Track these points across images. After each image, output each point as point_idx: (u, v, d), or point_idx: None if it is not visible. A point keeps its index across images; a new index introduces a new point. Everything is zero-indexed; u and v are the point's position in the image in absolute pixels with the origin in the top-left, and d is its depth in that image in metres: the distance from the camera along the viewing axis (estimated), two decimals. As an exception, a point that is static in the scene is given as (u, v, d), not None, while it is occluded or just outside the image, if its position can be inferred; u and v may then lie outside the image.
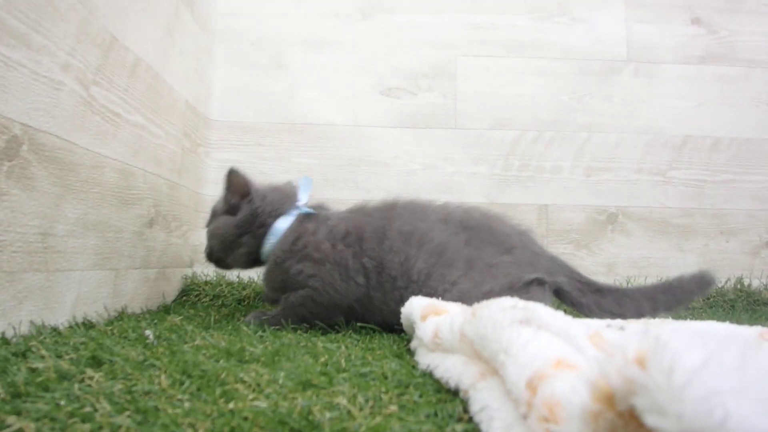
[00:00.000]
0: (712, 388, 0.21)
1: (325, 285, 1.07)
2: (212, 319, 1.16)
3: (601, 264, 1.86)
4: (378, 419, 0.49)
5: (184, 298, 1.52)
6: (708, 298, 1.73)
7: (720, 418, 0.20)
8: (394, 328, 1.02)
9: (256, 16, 1.88)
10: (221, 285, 1.57)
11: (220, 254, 1.19)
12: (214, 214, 1.22)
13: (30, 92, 0.85)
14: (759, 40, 1.95)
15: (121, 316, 1.14)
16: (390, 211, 1.14)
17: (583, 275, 1.13)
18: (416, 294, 0.98)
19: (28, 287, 0.86)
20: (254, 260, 1.19)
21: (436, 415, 0.53)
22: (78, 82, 0.98)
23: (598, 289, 1.10)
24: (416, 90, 1.90)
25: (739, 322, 0.92)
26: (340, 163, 1.85)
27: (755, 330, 0.75)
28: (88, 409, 0.51)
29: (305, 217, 1.15)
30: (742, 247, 1.88)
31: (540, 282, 1.05)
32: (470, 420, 0.51)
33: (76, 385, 0.57)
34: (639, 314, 1.06)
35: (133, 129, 1.21)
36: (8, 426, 0.46)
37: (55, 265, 0.93)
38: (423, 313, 0.83)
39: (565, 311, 0.73)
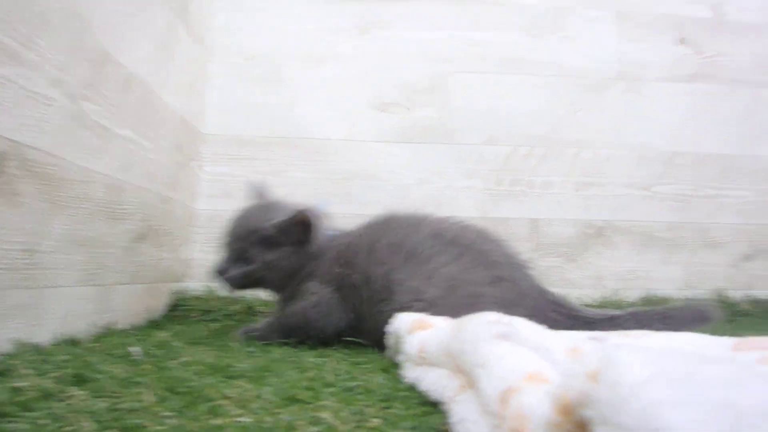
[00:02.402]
0: (653, 400, 0.22)
1: (321, 305, 1.08)
2: (201, 334, 1.16)
3: (589, 277, 1.88)
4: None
5: (174, 313, 1.52)
6: (692, 310, 1.75)
7: (658, 428, 0.22)
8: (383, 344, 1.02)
9: (252, 31, 1.90)
10: (212, 300, 1.58)
11: (276, 282, 1.15)
12: (267, 242, 1.12)
13: (19, 108, 0.86)
14: (742, 60, 2.01)
15: (109, 332, 1.13)
16: (384, 224, 1.15)
17: (574, 306, 1.07)
18: (395, 306, 0.98)
19: (12, 305, 0.86)
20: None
21: (418, 427, 0.54)
22: (67, 97, 0.99)
23: (588, 322, 1.03)
24: (411, 105, 1.92)
25: (722, 332, 0.93)
26: (335, 177, 1.86)
27: (730, 341, 0.76)
28: (70, 428, 0.51)
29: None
30: (726, 260, 1.92)
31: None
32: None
33: (59, 404, 0.57)
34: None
35: (124, 143, 1.22)
36: None
37: (40, 282, 0.94)
38: (410, 327, 0.84)
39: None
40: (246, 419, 0.53)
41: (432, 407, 0.62)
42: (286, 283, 1.14)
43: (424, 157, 1.90)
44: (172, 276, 1.57)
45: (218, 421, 0.53)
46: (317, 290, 1.10)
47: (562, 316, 1.03)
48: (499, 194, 1.90)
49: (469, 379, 0.53)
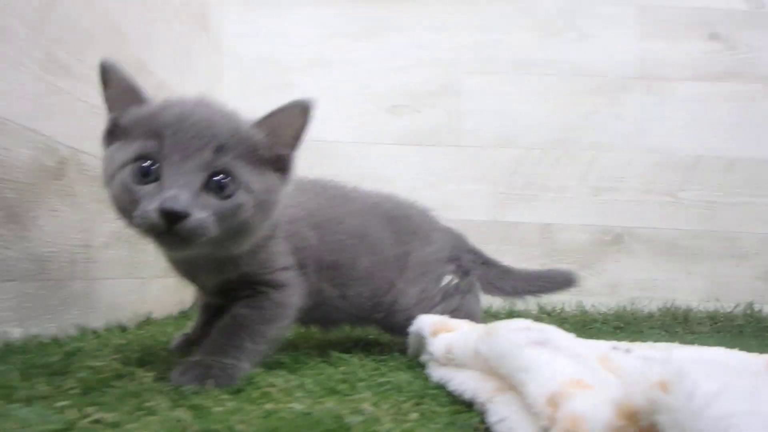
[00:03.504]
0: (727, 411, 0.26)
1: (296, 285, 0.86)
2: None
3: (605, 284, 1.86)
4: (405, 425, 0.54)
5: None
6: (716, 323, 1.71)
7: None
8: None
9: (264, 37, 1.94)
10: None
11: (252, 234, 0.74)
12: (253, 158, 0.71)
13: (74, 117, 0.93)
14: (780, 56, 1.90)
15: (148, 321, 1.21)
16: (328, 199, 0.98)
17: (472, 246, 1.16)
18: (362, 293, 0.95)
19: (72, 294, 0.94)
20: None
21: (454, 424, 0.58)
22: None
23: (485, 262, 1.14)
24: (420, 107, 1.94)
25: (748, 348, 0.95)
26: (345, 179, 1.88)
27: (763, 359, 0.78)
28: (148, 403, 0.57)
29: None
30: (754, 272, 1.85)
31: (464, 272, 1.08)
32: (487, 430, 0.56)
33: (132, 383, 0.64)
34: (515, 292, 1.12)
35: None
36: (88, 416, 0.52)
37: (94, 274, 1.00)
38: (433, 329, 0.88)
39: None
40: (296, 406, 0.58)
41: (462, 406, 0.66)
42: (244, 248, 0.74)
43: (434, 159, 1.91)
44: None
45: (271, 406, 0.58)
46: (289, 263, 0.83)
47: (470, 253, 1.13)
48: (510, 198, 1.90)
49: (507, 382, 0.56)
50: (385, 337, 1.12)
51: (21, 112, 0.78)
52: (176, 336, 0.92)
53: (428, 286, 1.03)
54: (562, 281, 1.16)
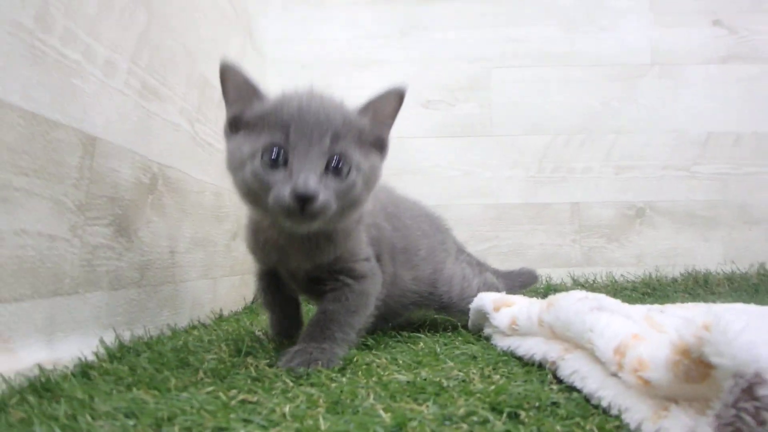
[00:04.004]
0: (751, 340, 0.37)
1: (376, 275, 0.96)
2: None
3: (631, 255, 2.01)
4: (493, 385, 0.66)
5: (260, 300, 1.70)
6: (733, 283, 1.86)
7: (756, 357, 0.37)
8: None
9: (304, 41, 2.06)
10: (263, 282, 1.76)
11: (359, 208, 0.86)
12: (360, 141, 0.82)
13: (161, 135, 1.04)
14: (779, 38, 2.04)
15: (221, 317, 1.32)
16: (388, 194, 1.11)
17: (477, 258, 1.34)
18: (426, 272, 1.07)
19: (164, 297, 1.05)
20: None
21: (532, 381, 0.69)
22: (188, 122, 1.16)
23: (481, 265, 1.32)
24: (454, 101, 2.06)
25: (762, 303, 1.07)
26: (386, 173, 1.99)
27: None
28: (272, 382, 0.68)
29: None
30: (765, 236, 2.00)
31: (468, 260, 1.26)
32: (560, 382, 0.68)
33: (249, 369, 0.75)
34: (497, 288, 1.22)
35: (221, 156, 1.39)
36: (234, 397, 0.62)
37: (178, 277, 1.12)
38: (495, 305, 1.00)
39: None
40: (401, 376, 0.70)
41: (532, 367, 0.77)
42: (350, 222, 0.85)
43: (469, 150, 2.04)
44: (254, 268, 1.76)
45: (377, 379, 0.70)
46: (370, 255, 0.92)
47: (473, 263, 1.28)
48: (541, 181, 2.03)
49: (574, 342, 0.68)
50: (439, 319, 1.24)
51: (125, 136, 0.89)
52: (274, 324, 1.02)
53: (465, 267, 1.19)
54: (529, 278, 1.40)
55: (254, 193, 0.74)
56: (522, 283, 1.39)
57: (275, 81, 2.02)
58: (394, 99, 0.84)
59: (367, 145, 0.80)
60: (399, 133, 2.01)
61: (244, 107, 0.79)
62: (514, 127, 2.05)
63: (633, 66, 2.06)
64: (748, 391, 0.38)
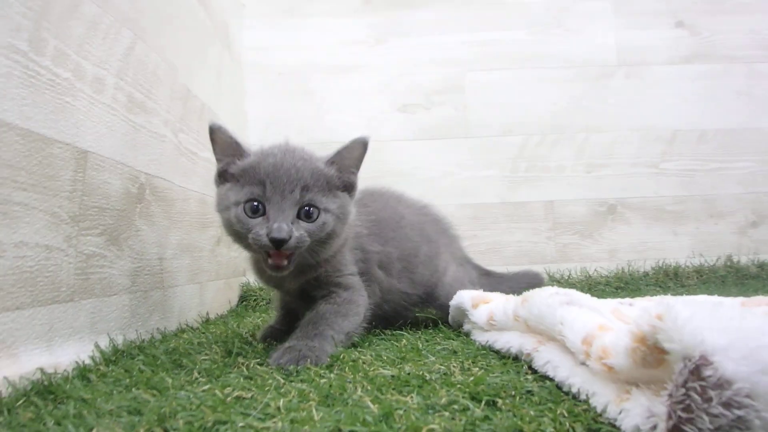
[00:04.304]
0: (697, 326, 0.42)
1: (362, 289, 1.05)
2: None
3: (604, 251, 2.08)
4: (472, 377, 0.71)
5: (244, 303, 1.73)
6: (702, 275, 1.95)
7: (700, 339, 0.42)
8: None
9: (280, 49, 2.09)
10: (273, 290, 1.79)
11: (335, 244, 0.97)
12: (328, 188, 0.93)
13: (148, 147, 1.06)
14: (737, 38, 2.17)
15: (208, 320, 1.35)
16: (386, 199, 1.22)
17: (482, 267, 1.47)
18: (425, 275, 1.17)
19: (154, 302, 1.08)
20: None
21: (508, 372, 0.74)
22: (172, 133, 1.19)
23: (489, 274, 1.46)
24: (430, 105, 2.11)
25: (729, 294, 1.15)
26: (366, 175, 2.02)
27: (738, 299, 0.97)
28: (264, 380, 0.71)
29: None
30: (730, 228, 2.11)
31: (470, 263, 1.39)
32: (535, 372, 0.73)
33: (242, 368, 0.78)
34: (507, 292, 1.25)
35: (205, 164, 1.42)
36: (229, 394, 0.66)
37: (167, 283, 1.15)
38: (474, 302, 1.05)
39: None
40: (386, 371, 0.74)
41: (509, 360, 0.82)
42: (330, 252, 0.97)
43: (446, 151, 2.10)
44: (238, 271, 1.78)
45: (365, 374, 0.74)
46: (356, 271, 1.04)
47: (478, 272, 1.43)
48: (516, 180, 2.10)
49: (547, 335, 0.73)
50: (421, 318, 1.29)
51: (114, 149, 0.91)
52: (261, 330, 1.08)
53: (458, 269, 1.27)
54: (534, 279, 1.49)
55: (237, 233, 0.90)
56: (528, 284, 1.42)
57: (253, 88, 2.05)
58: (359, 147, 0.96)
59: (335, 189, 0.94)
60: (379, 136, 2.11)
61: (230, 162, 0.93)
62: (489, 129, 2.11)
63: (601, 67, 2.14)
64: (696, 372, 0.43)
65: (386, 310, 1.11)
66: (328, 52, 2.11)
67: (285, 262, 0.87)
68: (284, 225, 0.84)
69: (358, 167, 0.97)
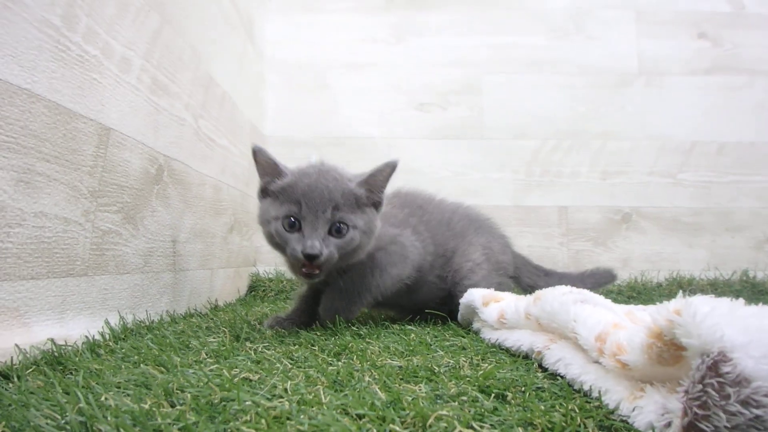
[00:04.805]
0: (716, 322, 0.42)
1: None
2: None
3: (617, 259, 2.06)
4: (482, 371, 0.70)
5: (253, 292, 1.74)
6: (716, 289, 1.92)
7: (719, 335, 0.41)
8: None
9: (301, 43, 2.10)
10: (282, 282, 1.79)
11: (361, 254, 1.05)
12: (357, 204, 1.01)
13: (169, 129, 1.07)
14: (760, 51, 2.14)
15: (217, 307, 1.36)
16: (415, 198, 1.31)
17: (535, 263, 1.46)
18: (451, 279, 1.21)
19: (165, 284, 1.08)
20: None
21: (518, 368, 0.74)
22: (193, 117, 1.20)
23: (544, 271, 1.46)
24: (446, 105, 2.11)
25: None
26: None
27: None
28: (272, 364, 0.71)
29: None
30: (747, 243, 2.07)
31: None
32: (545, 370, 0.72)
33: (249, 353, 0.78)
34: None
35: (222, 151, 1.43)
36: (237, 375, 0.65)
37: (179, 266, 1.15)
38: (484, 300, 1.04)
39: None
40: (394, 362, 0.74)
41: (519, 358, 0.82)
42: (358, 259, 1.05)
43: (459, 152, 2.09)
44: (248, 261, 1.79)
45: (372, 364, 0.73)
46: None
47: (528, 267, 1.44)
48: (530, 184, 2.09)
49: (559, 333, 0.72)
50: (430, 314, 1.28)
51: (136, 128, 0.92)
52: (269, 318, 1.10)
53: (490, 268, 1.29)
54: (606, 277, 1.48)
55: (277, 244, 1.01)
56: (595, 283, 1.44)
57: (273, 80, 2.06)
58: (388, 170, 1.05)
59: (363, 207, 1.03)
60: (393, 134, 2.11)
61: (270, 180, 1.02)
62: (504, 131, 2.10)
63: (620, 74, 2.12)
64: (714, 368, 0.42)
65: (414, 301, 1.18)
66: (347, 48, 2.11)
67: (317, 272, 0.97)
68: (317, 242, 0.94)
69: (385, 186, 1.05)
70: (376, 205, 1.05)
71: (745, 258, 2.05)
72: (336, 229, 0.98)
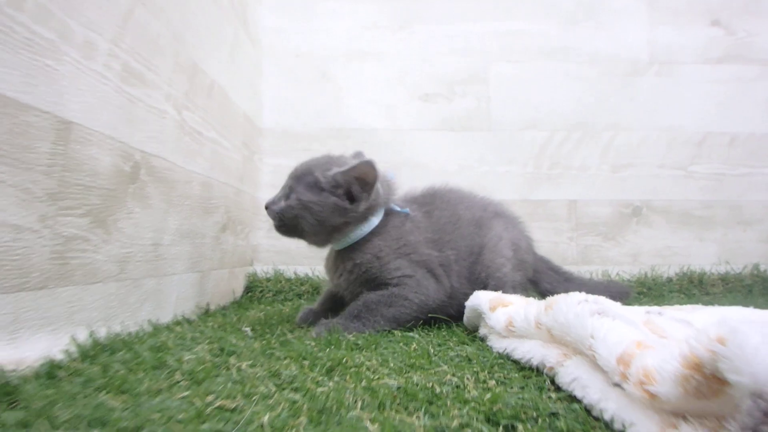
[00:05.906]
0: (771, 356, 0.34)
1: (420, 287, 1.12)
2: (289, 312, 1.29)
3: (627, 254, 1.98)
4: (489, 392, 0.62)
5: (250, 294, 1.66)
6: (727, 284, 1.85)
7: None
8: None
9: (300, 31, 2.01)
10: (281, 281, 1.72)
11: (308, 228, 1.13)
12: (314, 186, 1.13)
13: (146, 123, 0.99)
14: (775, 40, 2.03)
15: (208, 312, 1.28)
16: (447, 199, 1.30)
17: (553, 263, 1.44)
18: (484, 276, 1.20)
19: (146, 291, 1.01)
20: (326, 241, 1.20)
21: (529, 388, 0.66)
22: (175, 109, 1.12)
23: (560, 273, 1.44)
24: (452, 95, 2.02)
25: (757, 305, 1.06)
26: (383, 165, 1.96)
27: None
28: (256, 387, 0.64)
29: (392, 212, 1.20)
30: (759, 236, 2.00)
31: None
32: (559, 389, 0.64)
33: (232, 371, 0.71)
34: None
35: (211, 145, 1.35)
36: (210, 403, 0.59)
37: (162, 271, 1.07)
38: (491, 305, 0.96)
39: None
40: (390, 381, 0.66)
41: (529, 371, 0.74)
42: (321, 235, 1.15)
43: (465, 144, 2.01)
44: (245, 260, 1.71)
45: (366, 384, 0.66)
46: (412, 273, 1.13)
47: (550, 272, 1.42)
48: (539, 177, 2.00)
49: (573, 348, 0.65)
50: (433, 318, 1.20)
51: (105, 122, 0.84)
52: (302, 311, 1.20)
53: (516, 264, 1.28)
54: (621, 292, 1.42)
55: None
56: (610, 296, 1.36)
57: (270, 70, 1.98)
58: (365, 168, 1.12)
59: (320, 190, 1.13)
60: (397, 126, 2.02)
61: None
62: (511, 123, 2.01)
63: (631, 63, 2.03)
64: (770, 413, 0.35)
65: (451, 313, 1.18)
66: (348, 36, 2.02)
67: (275, 222, 1.15)
68: (274, 199, 1.15)
69: (367, 183, 1.13)
70: (352, 197, 1.13)
71: (756, 252, 1.98)
72: (287, 195, 1.14)
